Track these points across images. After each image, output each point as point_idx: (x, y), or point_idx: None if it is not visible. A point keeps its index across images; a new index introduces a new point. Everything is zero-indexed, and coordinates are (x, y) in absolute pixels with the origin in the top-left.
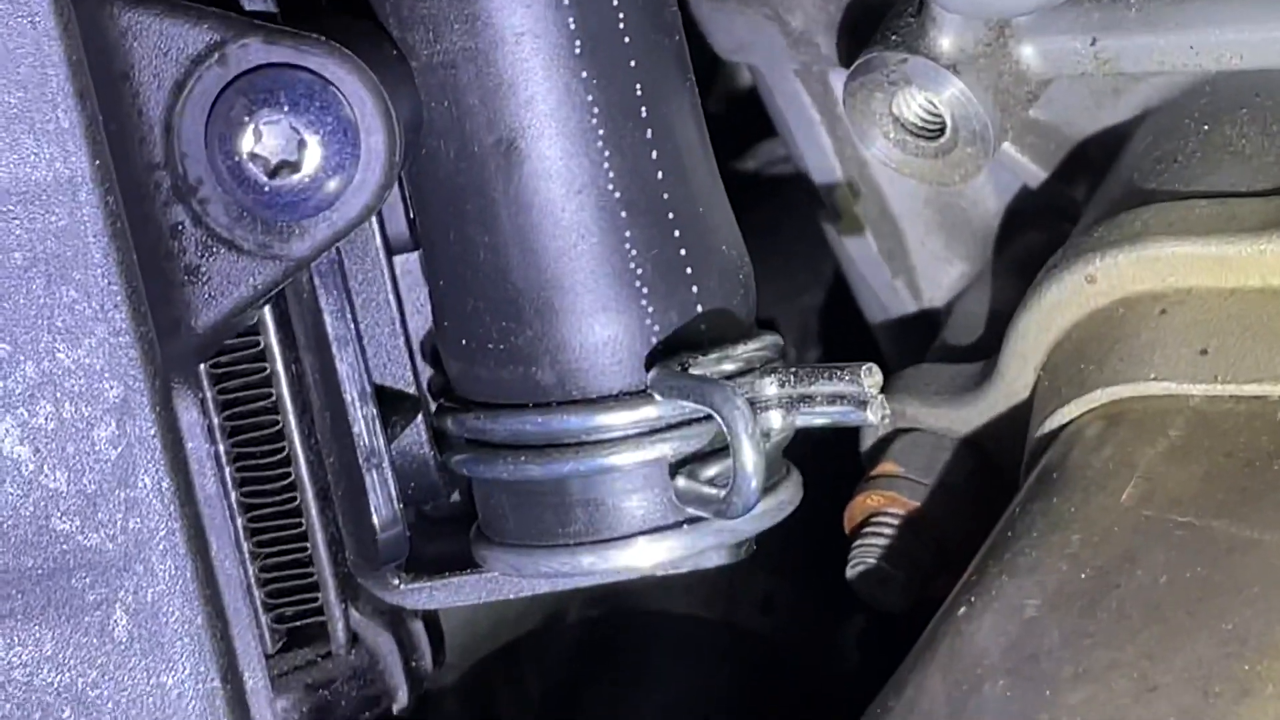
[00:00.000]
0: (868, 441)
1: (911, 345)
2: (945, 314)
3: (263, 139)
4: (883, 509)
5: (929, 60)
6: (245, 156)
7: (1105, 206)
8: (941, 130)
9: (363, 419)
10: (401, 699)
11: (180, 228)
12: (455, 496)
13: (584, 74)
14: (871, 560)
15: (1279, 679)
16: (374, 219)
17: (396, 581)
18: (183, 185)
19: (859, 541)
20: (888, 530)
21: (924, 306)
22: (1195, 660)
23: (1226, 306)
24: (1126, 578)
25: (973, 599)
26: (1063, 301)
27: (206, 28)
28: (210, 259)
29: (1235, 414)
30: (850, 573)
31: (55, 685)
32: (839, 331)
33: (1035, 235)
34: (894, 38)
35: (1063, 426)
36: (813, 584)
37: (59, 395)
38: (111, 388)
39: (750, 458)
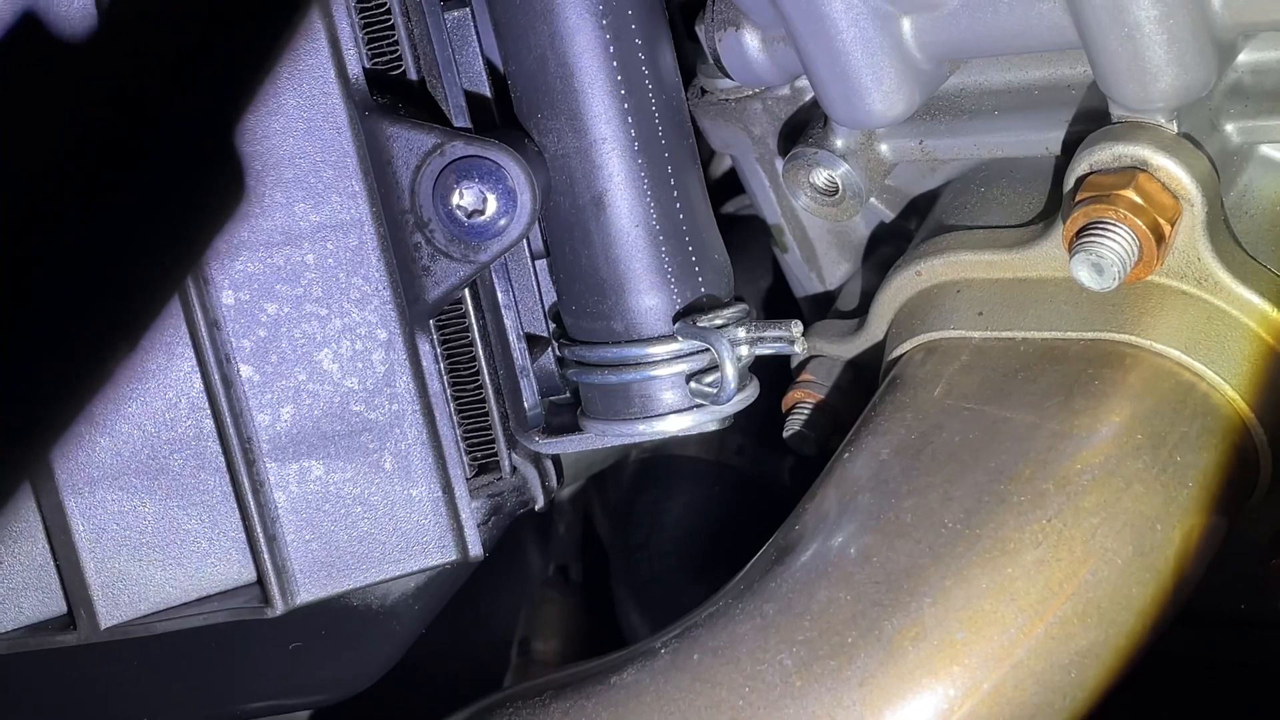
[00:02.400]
0: (795, 363)
1: (820, 310)
2: (838, 293)
3: (464, 197)
4: (803, 399)
5: (830, 153)
6: (454, 207)
7: (927, 232)
8: (837, 191)
9: (518, 350)
10: (540, 502)
11: (419, 245)
12: (568, 393)
13: (639, 161)
14: (797, 427)
15: (1019, 491)
16: (525, 241)
17: (538, 439)
18: (420, 221)
19: (790, 416)
20: (805, 411)
21: (826, 289)
22: (974, 483)
23: (993, 289)
24: (936, 438)
25: (852, 449)
26: (904, 285)
27: (434, 134)
28: (436, 263)
29: (996, 348)
30: (785, 434)
31: (353, 494)
32: (780, 302)
33: (888, 248)
34: (810, 140)
35: (902, 355)
36: (766, 439)
37: (354, 336)
38: (381, 332)
39: (731, 372)
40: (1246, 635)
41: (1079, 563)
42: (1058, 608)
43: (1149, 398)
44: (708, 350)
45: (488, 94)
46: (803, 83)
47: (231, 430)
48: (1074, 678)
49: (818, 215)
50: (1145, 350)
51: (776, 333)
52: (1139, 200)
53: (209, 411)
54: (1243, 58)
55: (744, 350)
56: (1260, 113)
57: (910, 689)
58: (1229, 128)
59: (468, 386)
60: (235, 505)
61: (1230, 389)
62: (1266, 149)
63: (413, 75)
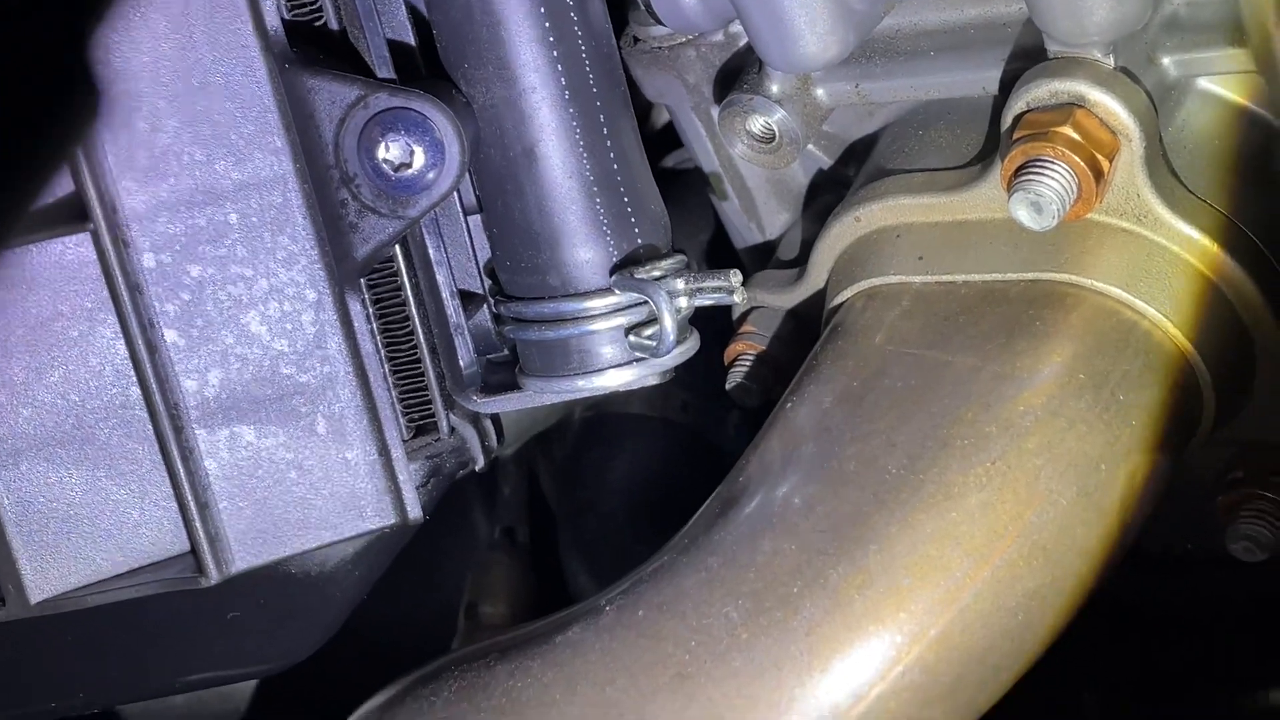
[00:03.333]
0: (736, 314)
1: (760, 260)
2: (778, 242)
3: (390, 150)
4: (744, 351)
5: (765, 99)
6: (380, 160)
7: (865, 178)
8: (773, 138)
9: (452, 307)
10: (480, 463)
11: (345, 202)
12: (505, 350)
13: (571, 110)
14: (739, 379)
15: (962, 435)
16: (455, 194)
17: (476, 398)
18: (346, 177)
19: (732, 369)
20: (747, 363)
21: (766, 239)
22: (918, 428)
23: (932, 232)
24: (879, 384)
25: (794, 399)
26: (843, 233)
27: (357, 86)
28: (363, 219)
29: (937, 292)
30: (728, 386)
31: (286, 459)
32: (720, 253)
33: (827, 196)
34: (745, 86)
35: (843, 302)
36: (710, 393)
37: (281, 297)
38: (310, 293)
39: (669, 324)
40: (1193, 574)
41: (1023, 505)
42: (1003, 551)
43: (1090, 337)
44: (646, 303)
45: (412, 43)
46: (736, 28)
47: (158, 397)
48: (1021, 620)
49: (755, 163)
50: (1086, 289)
51: (715, 283)
52: (1076, 137)
53: (134, 378)
54: None
55: (683, 302)
56: (1197, 45)
57: (857, 637)
58: (1166, 61)
59: (402, 346)
60: (165, 474)
61: (1172, 326)
62: (1204, 82)
63: (334, 25)
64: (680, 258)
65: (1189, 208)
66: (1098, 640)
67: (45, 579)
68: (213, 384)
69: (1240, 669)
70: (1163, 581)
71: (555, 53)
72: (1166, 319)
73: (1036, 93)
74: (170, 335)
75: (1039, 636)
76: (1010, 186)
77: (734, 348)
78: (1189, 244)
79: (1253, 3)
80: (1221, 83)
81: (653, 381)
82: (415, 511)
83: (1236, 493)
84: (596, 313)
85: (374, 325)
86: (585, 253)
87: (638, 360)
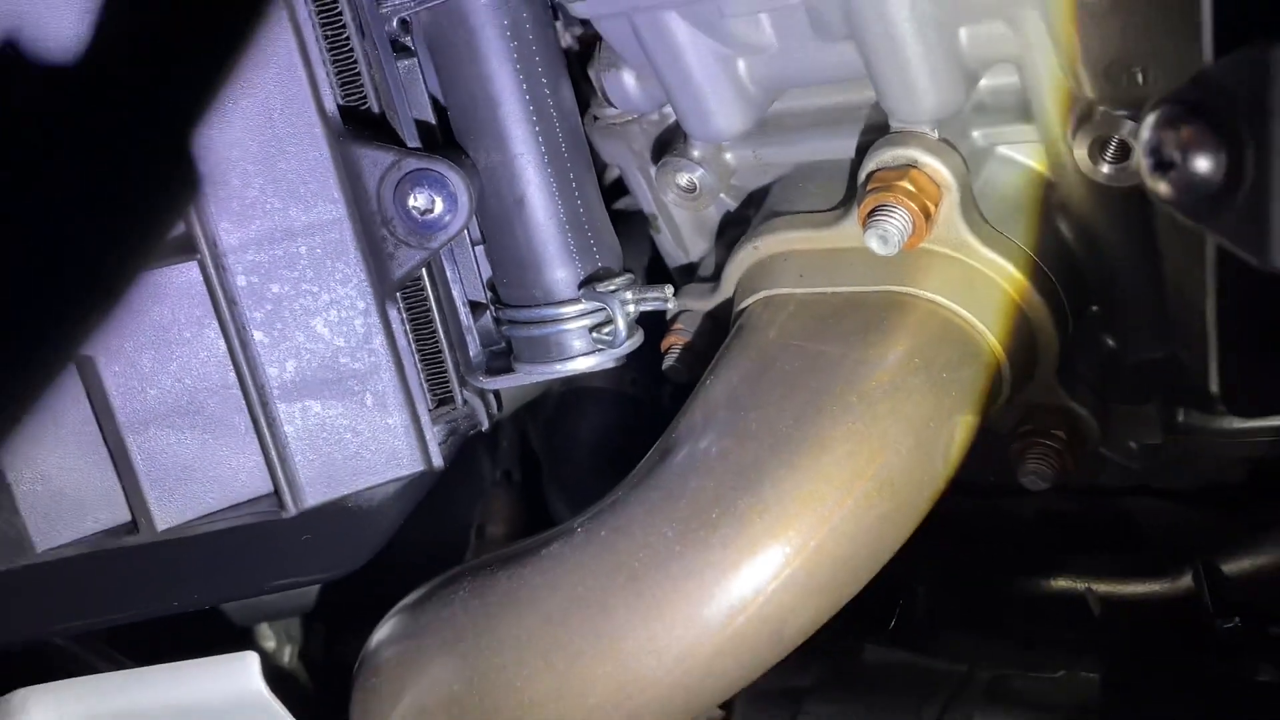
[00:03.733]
0: (669, 316)
1: (686, 277)
2: (699, 264)
3: (417, 200)
4: (675, 342)
5: (690, 161)
6: (410, 207)
7: (762, 218)
8: (695, 189)
9: (464, 313)
10: (485, 425)
11: (385, 238)
12: (503, 344)
13: (549, 170)
14: (671, 362)
15: (833, 404)
16: (465, 231)
17: (481, 379)
18: (385, 219)
19: (666, 355)
20: (678, 351)
21: (690, 261)
22: (801, 399)
23: (810, 257)
24: (773, 367)
25: (712, 377)
26: (746, 257)
27: (393, 153)
28: (398, 250)
29: (814, 300)
30: (664, 367)
31: (343, 424)
32: (657, 272)
33: (734, 230)
34: (675, 152)
35: (746, 307)
36: (651, 373)
37: (339, 307)
38: (360, 303)
39: (622, 324)
40: (993, 499)
41: (876, 453)
42: (861, 486)
43: (924, 332)
44: (605, 309)
45: (433, 121)
46: (669, 110)
47: (249, 380)
48: (875, 535)
49: (682, 207)
50: (920, 298)
51: (655, 294)
52: (912, 189)
53: (232, 366)
54: (984, 82)
55: (631, 308)
56: (997, 122)
57: (759, 548)
58: (975, 134)
59: (428, 341)
60: (255, 435)
61: (980, 324)
62: (1002, 149)
63: (375, 108)
64: (629, 275)
65: (992, 239)
66: (928, 547)
67: (168, 513)
68: (289, 370)
69: (1029, 567)
70: (973, 504)
71: (536, 128)
72: (977, 319)
73: (882, 157)
74: (258, 335)
75: (888, 546)
76: (865, 224)
77: (668, 339)
78: (993, 265)
79: (1036, 93)
80: (1015, 150)
81: (610, 365)
82: (438, 460)
83: (1025, 441)
84: (568, 316)
85: (407, 327)
86: (560, 273)
87: (598, 350)
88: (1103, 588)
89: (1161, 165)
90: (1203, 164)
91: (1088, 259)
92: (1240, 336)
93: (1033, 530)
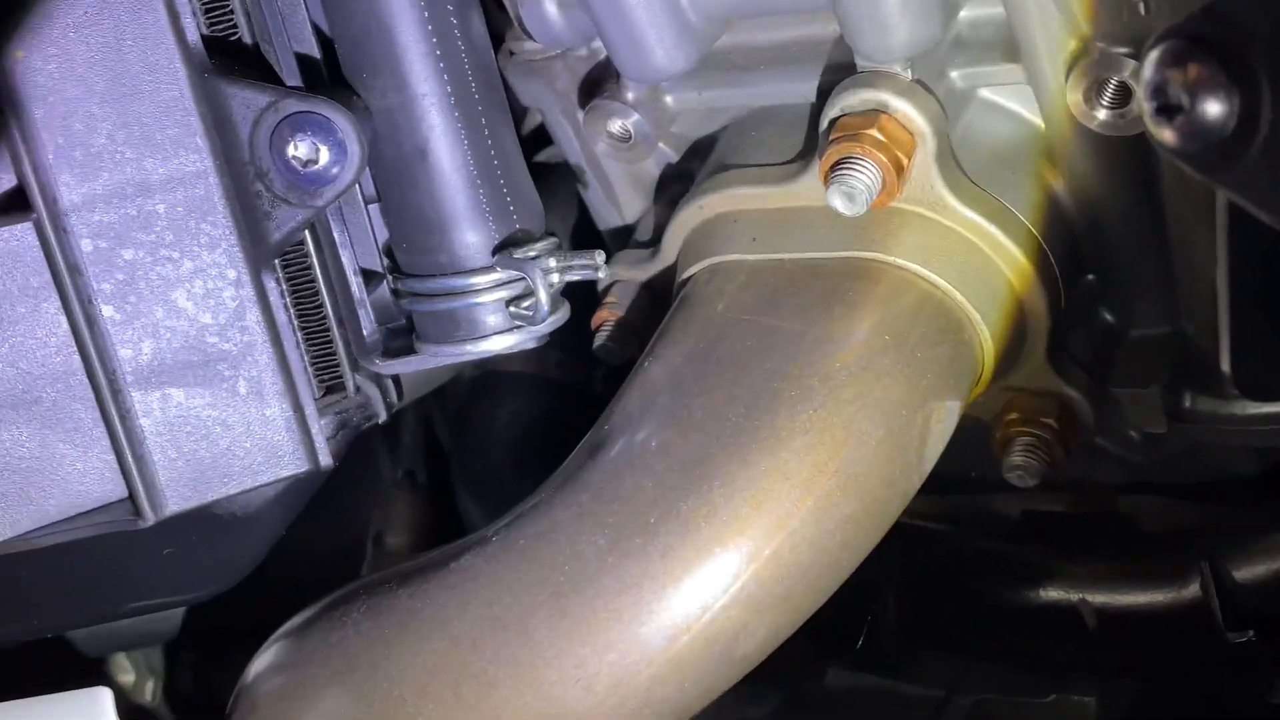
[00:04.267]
0: (600, 287)
1: (619, 241)
2: (635, 226)
3: (298, 148)
4: (608, 318)
5: (623, 104)
6: (290, 157)
7: (708, 172)
8: (630, 138)
9: (355, 284)
10: (383, 416)
11: (260, 193)
12: (403, 320)
13: (456, 114)
14: (604, 341)
15: (790, 388)
16: (356, 186)
17: (378, 361)
18: (260, 172)
19: (598, 333)
20: (610, 327)
21: (625, 223)
22: (753, 382)
23: (764, 217)
24: (721, 345)
25: (651, 358)
26: (690, 218)
27: (268, 93)
28: (276, 208)
29: (768, 267)
30: (594, 347)
31: (212, 416)
32: (585, 235)
33: (676, 186)
34: (606, 94)
35: (690, 276)
36: (579, 354)
37: (205, 276)
38: (230, 272)
39: (544, 296)
40: (974, 497)
41: (840, 445)
42: (824, 483)
43: (894, 304)
44: (524, 278)
45: (317, 55)
46: (598, 44)
47: (97, 364)
48: (839, 540)
49: (615, 159)
50: (890, 265)
51: (583, 261)
52: (881, 138)
53: (76, 348)
54: (964, 14)
55: (555, 277)
56: (979, 61)
57: (705, 558)
58: (954, 74)
59: (313, 318)
60: (105, 430)
61: (959, 295)
62: (985, 92)
63: (247, 39)
64: (553, 240)
65: (973, 197)
66: (901, 552)
67: (0, 524)
68: (146, 352)
69: (1015, 575)
70: (951, 502)
71: (442, 64)
72: (955, 289)
73: (848, 101)
74: (107, 310)
75: (854, 553)
76: (827, 179)
77: (599, 315)
78: (973, 227)
79: (1024, 26)
80: (999, 93)
81: (530, 345)
82: (326, 459)
83: (1011, 430)
84: (481, 287)
85: (287, 300)
86: (471, 236)
87: (517, 327)
88: (1098, 598)
89: (1166, 109)
90: (1213, 107)
91: (1083, 220)
92: (1255, 308)
93: (1019, 533)
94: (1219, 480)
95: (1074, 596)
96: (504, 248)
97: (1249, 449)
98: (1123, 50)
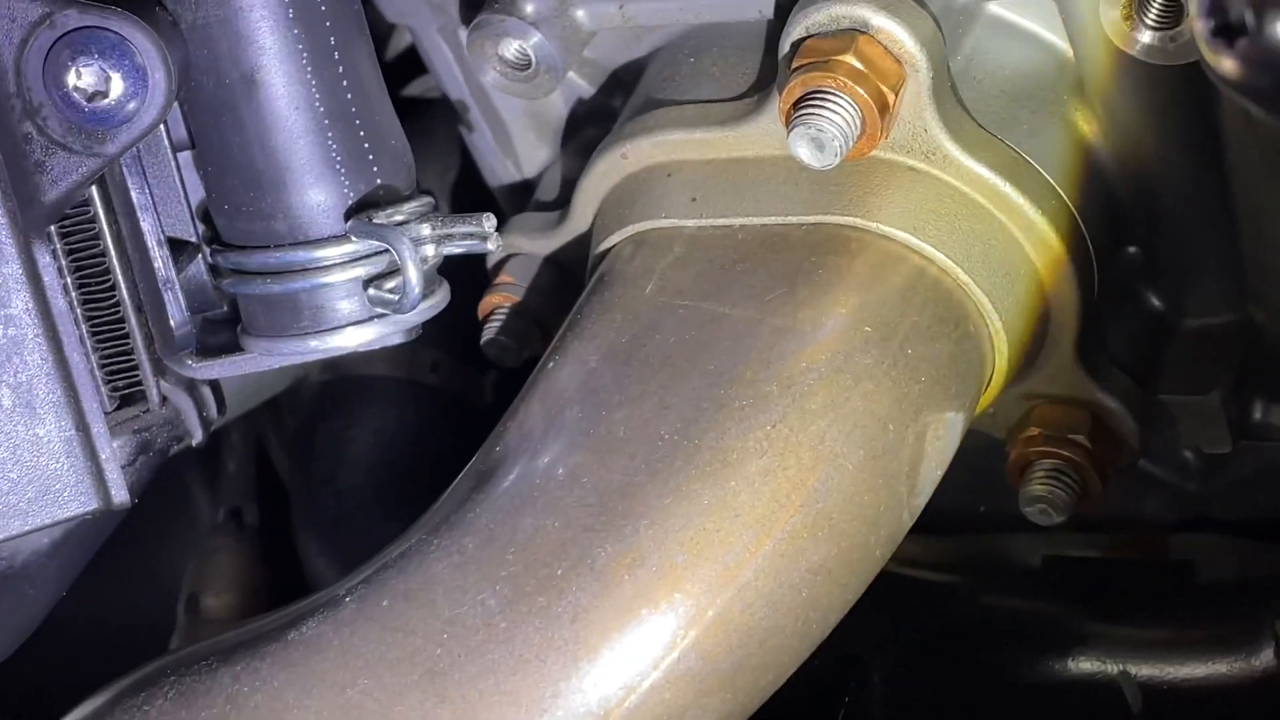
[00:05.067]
0: (491, 262)
1: (516, 201)
2: (536, 181)
3: (82, 76)
4: (500, 304)
5: (520, 20)
6: (71, 88)
7: (632, 110)
8: (529, 65)
9: (160, 258)
10: (198, 437)
11: (30, 136)
12: (224, 307)
13: (295, 31)
14: (494, 335)
15: (741, 395)
16: (162, 128)
17: (190, 362)
18: (30, 108)
19: (487, 324)
20: (503, 316)
21: (524, 177)
22: (692, 389)
23: (707, 171)
24: (650, 340)
25: (557, 357)
26: (609, 171)
27: (40, 2)
28: (51, 156)
29: (713, 237)
30: (483, 342)
31: None
32: (471, 194)
33: (591, 130)
34: (497, 6)
35: (610, 249)
36: (463, 352)
37: None
38: None
39: (414, 275)
40: (984, 538)
41: (807, 471)
42: (786, 521)
43: (877, 285)
44: (387, 251)
45: None
46: None
47: None
48: (806, 597)
49: (509, 93)
50: (871, 233)
51: (466, 228)
52: (860, 66)
53: None
54: None
55: (429, 250)
56: None
57: (628, 622)
58: None
59: (102, 304)
60: None
61: (963, 273)
62: (994, 7)
63: None
64: (426, 200)
65: (980, 144)
66: (887, 611)
67: None
68: None
69: (1037, 639)
70: (954, 546)
71: None
72: (957, 265)
73: (816, 17)
74: None
75: (825, 613)
76: (789, 121)
77: (489, 300)
78: (980, 183)
79: None
80: (1012, 7)
81: (397, 340)
82: (121, 494)
83: (1030, 451)
84: (330, 263)
85: (68, 280)
86: (316, 195)
87: (379, 316)
88: (1145, 670)
89: (1225, 30)
90: None
91: (1123, 177)
92: None
93: (1042, 584)
94: None
95: (1113, 668)
96: (361, 210)
97: None
98: None
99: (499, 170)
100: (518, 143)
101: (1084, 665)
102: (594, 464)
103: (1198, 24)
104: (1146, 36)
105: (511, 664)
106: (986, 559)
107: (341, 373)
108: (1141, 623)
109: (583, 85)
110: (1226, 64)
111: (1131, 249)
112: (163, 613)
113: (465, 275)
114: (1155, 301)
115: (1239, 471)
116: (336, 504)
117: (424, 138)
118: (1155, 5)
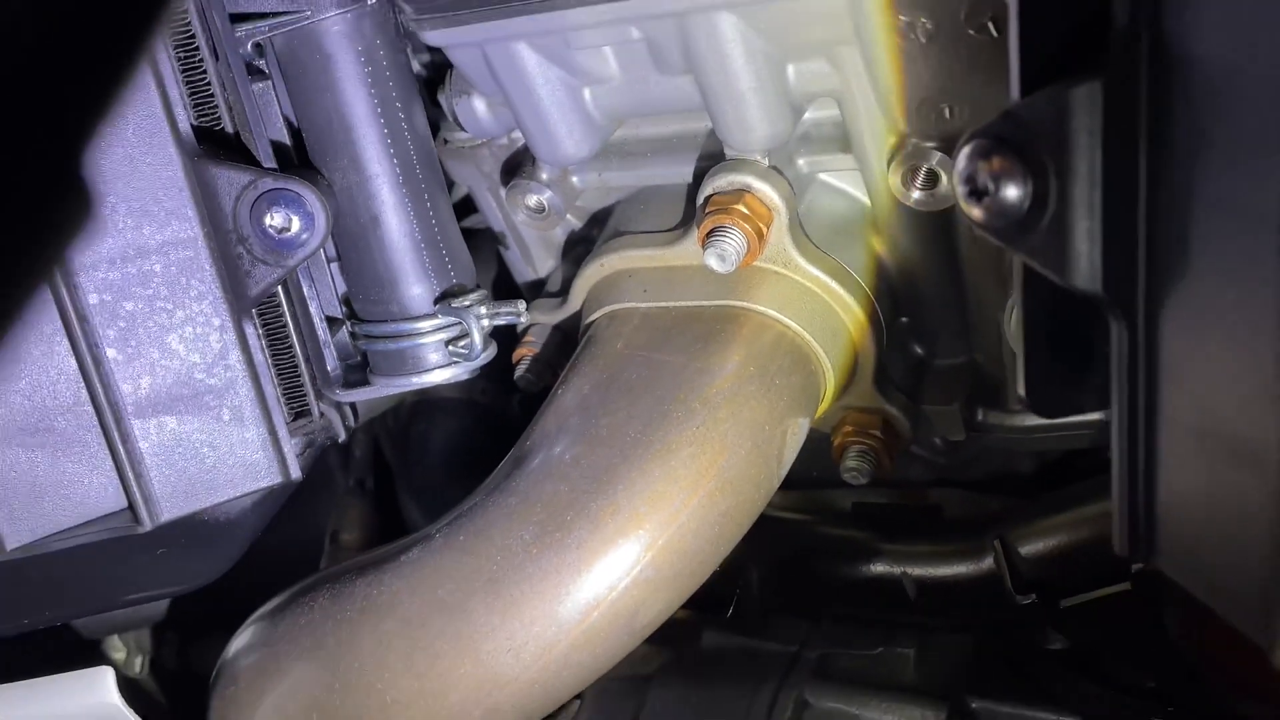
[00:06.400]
0: (520, 328)
1: (534, 292)
2: (546, 280)
3: (274, 218)
4: (526, 354)
5: (538, 183)
6: (267, 226)
7: (606, 237)
8: (544, 210)
9: (321, 328)
10: (342, 436)
11: (241, 255)
12: (359, 358)
13: (403, 190)
14: (523, 373)
15: (677, 409)
16: (321, 250)
17: (338, 392)
18: (241, 237)
19: (518, 366)
20: (528, 361)
21: (539, 277)
22: (647, 405)
23: (653, 273)
24: (621, 376)
25: (563, 387)
26: (593, 274)
27: (248, 173)
28: (255, 267)
29: (657, 313)
30: (515, 377)
31: (200, 439)
32: (503, 286)
33: (579, 248)
34: (524, 174)
35: (593, 320)
36: (501, 382)
37: (194, 324)
38: (216, 320)
39: (478, 338)
40: (818, 492)
41: (718, 454)
42: (705, 485)
43: (757, 342)
44: (460, 323)
45: (287, 142)
46: (518, 134)
47: (103, 397)
48: (717, 531)
49: (531, 227)
50: (754, 311)
51: (508, 309)
52: (747, 211)
53: (84, 384)
54: (808, 115)
55: (485, 322)
56: (819, 151)
57: (611, 547)
58: (801, 161)
59: (284, 356)
60: (109, 453)
61: (808, 335)
62: (824, 176)
63: (229, 129)
64: (483, 291)
65: (816, 257)
66: (761, 539)
67: (18, 531)
68: (144, 387)
69: (851, 555)
70: (800, 498)
71: (391, 150)
72: (803, 330)
73: (718, 182)
74: (111, 352)
75: (728, 540)
76: (705, 244)
77: (519, 351)
78: (817, 282)
79: (855, 126)
80: (835, 176)
81: (465, 378)
82: (296, 473)
83: (846, 440)
84: (425, 330)
85: (263, 342)
86: (416, 289)
87: (454, 363)
88: (917, 571)
89: (975, 193)
90: (1012, 191)
91: (899, 275)
92: (1043, 343)
93: (853, 521)
94: (1006, 476)
95: (897, 570)
96: (443, 298)
97: (1028, 452)
98: (932, 144)
99: (523, 273)
100: (535, 257)
101: (879, 569)
102: (588, 452)
103: (958, 188)
104: (916, 194)
105: (540, 574)
106: (818, 504)
107: (425, 395)
108: (914, 542)
109: (575, 222)
110: (976, 213)
111: (904, 318)
112: (316, 546)
113: (503, 336)
114: (918, 349)
115: (968, 451)
116: (423, 477)
117: (476, 252)
118: (921, 175)
